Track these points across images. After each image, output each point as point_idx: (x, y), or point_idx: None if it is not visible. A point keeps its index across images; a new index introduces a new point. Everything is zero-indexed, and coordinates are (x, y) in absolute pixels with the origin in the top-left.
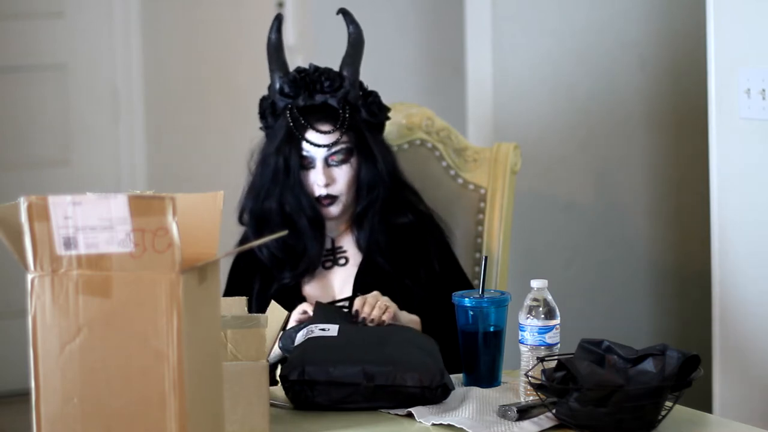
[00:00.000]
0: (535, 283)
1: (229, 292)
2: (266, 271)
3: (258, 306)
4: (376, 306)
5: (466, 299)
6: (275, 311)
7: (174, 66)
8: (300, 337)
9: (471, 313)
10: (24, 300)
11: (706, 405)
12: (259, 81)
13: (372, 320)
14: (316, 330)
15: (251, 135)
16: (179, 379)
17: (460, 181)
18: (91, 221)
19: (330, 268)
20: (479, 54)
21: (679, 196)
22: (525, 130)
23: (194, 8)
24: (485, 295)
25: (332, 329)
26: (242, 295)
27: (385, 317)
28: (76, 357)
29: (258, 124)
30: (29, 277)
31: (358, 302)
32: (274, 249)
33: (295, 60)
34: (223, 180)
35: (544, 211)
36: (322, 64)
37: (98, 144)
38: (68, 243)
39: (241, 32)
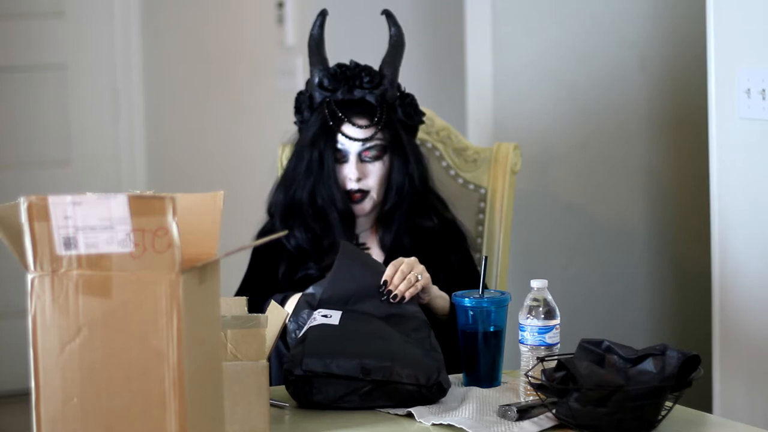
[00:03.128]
0: (535, 283)
1: (252, 269)
2: (292, 255)
3: (285, 288)
4: (405, 279)
5: (466, 299)
6: (275, 311)
7: (174, 66)
8: (306, 321)
9: (471, 313)
10: (24, 300)
11: (706, 405)
12: (259, 80)
13: (395, 296)
14: (318, 317)
15: (251, 135)
16: (179, 379)
17: (460, 181)
18: (91, 221)
19: None
20: (479, 54)
21: (679, 196)
22: (525, 130)
23: (194, 8)
24: (485, 295)
25: (335, 316)
26: (266, 274)
27: (407, 294)
28: (76, 357)
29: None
30: (29, 277)
31: (390, 270)
32: (302, 241)
33: (295, 60)
34: (223, 180)
35: (544, 211)
36: None
37: (98, 144)
38: (68, 243)
39: (241, 32)
